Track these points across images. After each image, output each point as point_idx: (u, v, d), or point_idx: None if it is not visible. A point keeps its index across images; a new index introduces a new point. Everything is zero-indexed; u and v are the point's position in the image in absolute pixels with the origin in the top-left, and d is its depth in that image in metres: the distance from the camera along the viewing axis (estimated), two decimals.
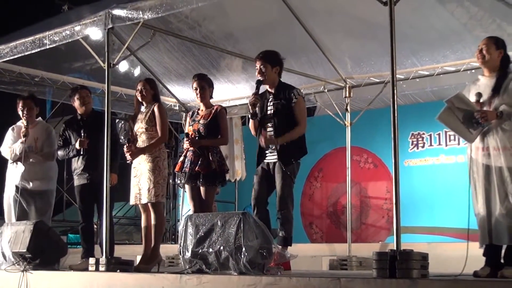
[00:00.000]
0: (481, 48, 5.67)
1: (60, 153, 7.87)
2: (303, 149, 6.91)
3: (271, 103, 6.92)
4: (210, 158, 7.08)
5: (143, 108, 7.24)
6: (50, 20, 8.28)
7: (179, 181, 7.30)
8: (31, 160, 8.19)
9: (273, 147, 6.81)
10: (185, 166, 7.13)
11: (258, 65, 6.91)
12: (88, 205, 7.74)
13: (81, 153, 7.69)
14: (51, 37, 7.50)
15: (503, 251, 5.43)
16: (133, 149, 7.03)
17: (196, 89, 7.26)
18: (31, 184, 8.18)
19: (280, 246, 6.59)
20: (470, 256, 5.29)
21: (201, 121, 7.20)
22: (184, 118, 11.81)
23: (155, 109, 7.10)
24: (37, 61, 10.01)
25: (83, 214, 7.76)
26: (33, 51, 7.76)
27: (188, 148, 7.19)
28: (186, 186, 7.26)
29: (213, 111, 7.23)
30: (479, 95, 5.54)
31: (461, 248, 5.37)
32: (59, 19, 7.94)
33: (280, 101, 6.85)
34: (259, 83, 6.90)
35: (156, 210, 6.95)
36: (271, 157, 6.89)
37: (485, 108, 5.48)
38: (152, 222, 6.95)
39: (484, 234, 5.45)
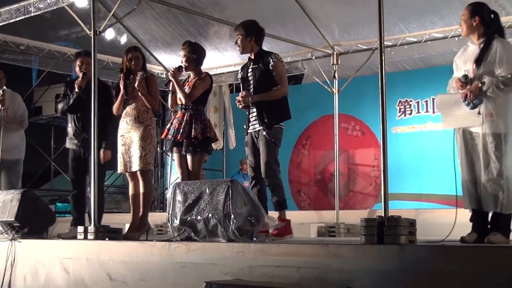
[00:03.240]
0: (460, 20, 5.68)
1: (60, 105, 7.75)
2: (284, 113, 6.84)
3: (250, 69, 6.94)
4: (193, 126, 7.06)
5: (131, 77, 7.17)
6: None
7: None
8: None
9: (253, 110, 6.81)
10: (169, 133, 7.14)
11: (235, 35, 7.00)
12: (79, 174, 7.67)
13: (81, 90, 7.53)
14: (36, 4, 7.42)
15: (489, 217, 5.47)
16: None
17: (183, 56, 7.27)
18: (4, 153, 8.14)
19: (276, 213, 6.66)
20: (457, 222, 5.33)
21: (187, 90, 7.18)
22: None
23: (148, 78, 7.06)
24: (22, 29, 9.91)
25: (74, 182, 7.69)
26: (18, 19, 7.69)
27: (176, 116, 7.19)
28: (175, 154, 7.26)
29: (198, 78, 7.22)
30: (465, 77, 5.50)
31: (448, 214, 5.42)
32: None
33: (258, 65, 6.86)
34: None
35: (145, 178, 6.95)
36: (255, 125, 6.88)
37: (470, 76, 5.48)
38: (141, 190, 6.95)
39: (471, 199, 5.48)
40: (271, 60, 6.77)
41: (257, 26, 6.94)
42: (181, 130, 7.04)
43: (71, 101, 7.56)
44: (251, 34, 6.87)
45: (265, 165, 6.74)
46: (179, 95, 7.11)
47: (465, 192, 5.52)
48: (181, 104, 7.19)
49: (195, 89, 7.15)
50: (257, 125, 6.82)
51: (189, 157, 7.11)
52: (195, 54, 7.24)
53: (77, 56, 7.77)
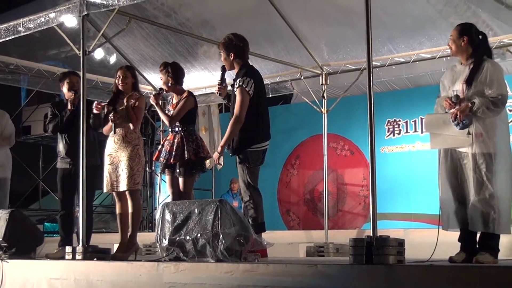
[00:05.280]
0: (449, 40, 5.72)
1: (52, 124, 7.71)
2: (254, 137, 6.71)
3: (230, 87, 6.95)
4: (185, 148, 7.06)
5: (121, 96, 7.17)
6: (24, 7, 8.19)
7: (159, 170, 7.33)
8: None
9: None
10: (161, 156, 7.12)
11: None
12: (68, 194, 7.61)
13: (74, 107, 7.54)
14: (26, 24, 7.42)
15: (477, 236, 5.48)
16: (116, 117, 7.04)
17: (161, 78, 7.29)
18: None
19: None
20: (446, 242, 5.34)
21: (172, 112, 7.18)
22: None
23: (134, 99, 7.06)
24: (11, 48, 9.90)
25: (63, 202, 7.64)
26: (7, 39, 7.68)
27: (166, 138, 7.19)
28: (167, 176, 7.26)
29: (180, 99, 7.22)
30: (457, 97, 5.52)
31: (437, 234, 5.41)
32: (33, 6, 7.84)
33: (232, 87, 6.86)
34: (223, 69, 6.98)
35: (133, 197, 6.93)
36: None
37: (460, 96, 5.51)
38: (130, 210, 6.93)
39: (450, 218, 5.49)
40: (236, 84, 6.71)
41: (236, 42, 6.83)
42: (173, 153, 7.03)
43: (65, 119, 7.54)
44: (230, 51, 6.82)
45: (240, 188, 6.77)
46: (163, 119, 7.12)
47: (446, 213, 5.53)
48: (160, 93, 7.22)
49: (179, 111, 7.15)
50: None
51: (181, 179, 7.10)
52: (172, 74, 7.23)
53: (65, 76, 7.76)
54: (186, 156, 7.02)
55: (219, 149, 6.72)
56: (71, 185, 7.50)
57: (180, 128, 7.13)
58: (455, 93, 5.52)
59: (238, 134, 6.66)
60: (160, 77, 7.28)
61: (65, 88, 7.68)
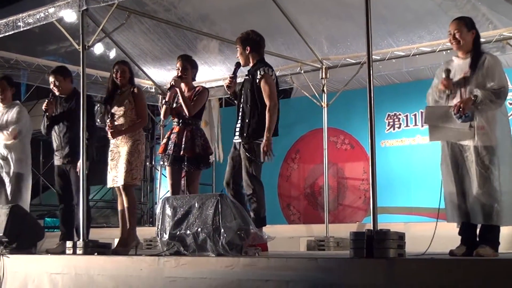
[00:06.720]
0: (453, 33, 5.63)
1: (42, 128, 7.79)
2: (263, 128, 6.65)
3: (243, 80, 6.91)
4: (195, 142, 7.05)
5: (118, 91, 7.17)
6: (23, 2, 8.18)
7: (162, 163, 7.28)
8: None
9: (238, 121, 6.76)
10: (169, 148, 7.09)
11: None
12: (65, 188, 7.64)
13: (53, 115, 7.55)
14: (25, 19, 7.42)
15: (478, 229, 5.49)
16: (114, 127, 6.99)
17: (178, 68, 7.21)
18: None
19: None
20: (446, 235, 5.34)
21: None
22: (160, 100, 11.75)
23: (135, 92, 7.06)
24: (11, 44, 9.90)
25: (61, 196, 7.65)
26: (7, 34, 7.68)
27: (172, 130, 7.14)
28: (168, 168, 7.23)
29: (195, 92, 7.19)
30: (447, 71, 5.53)
31: (438, 227, 5.41)
32: (33, 1, 7.83)
33: (249, 77, 6.81)
34: (237, 65, 6.95)
35: (127, 192, 6.92)
36: (237, 136, 6.83)
37: (458, 93, 5.50)
38: (125, 204, 6.93)
39: (453, 211, 5.50)
40: (258, 73, 6.68)
41: (253, 36, 6.87)
42: (183, 146, 7.01)
43: (46, 124, 7.61)
44: (246, 45, 6.83)
45: (244, 182, 6.72)
46: (184, 105, 7.04)
47: (450, 205, 5.53)
48: (178, 118, 7.13)
49: (197, 103, 7.14)
50: (237, 137, 6.80)
51: (187, 171, 7.09)
52: (189, 68, 7.24)
53: (49, 76, 7.78)
54: (196, 150, 7.02)
55: (267, 139, 6.56)
56: (67, 180, 7.54)
57: (190, 122, 7.11)
58: (447, 67, 5.52)
59: (252, 125, 6.63)
60: (178, 65, 7.19)
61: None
